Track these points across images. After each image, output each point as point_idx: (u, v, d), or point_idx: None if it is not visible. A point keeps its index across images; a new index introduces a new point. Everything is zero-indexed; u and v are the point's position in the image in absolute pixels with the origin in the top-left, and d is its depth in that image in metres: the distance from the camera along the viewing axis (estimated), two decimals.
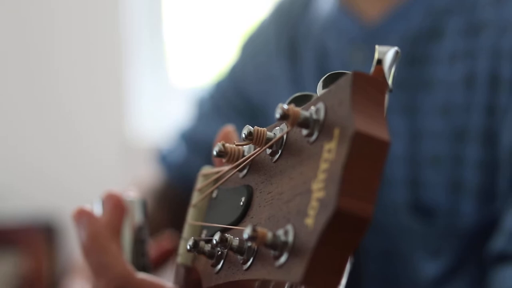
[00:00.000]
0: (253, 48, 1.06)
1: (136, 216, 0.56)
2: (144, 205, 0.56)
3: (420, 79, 0.84)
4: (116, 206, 0.53)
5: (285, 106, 0.37)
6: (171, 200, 1.05)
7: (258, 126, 0.41)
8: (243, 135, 0.40)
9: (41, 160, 1.89)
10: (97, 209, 0.54)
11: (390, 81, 0.37)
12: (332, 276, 0.34)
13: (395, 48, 0.38)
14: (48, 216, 1.84)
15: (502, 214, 0.78)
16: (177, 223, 0.92)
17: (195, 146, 1.08)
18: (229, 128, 0.53)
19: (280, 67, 0.99)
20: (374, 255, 0.87)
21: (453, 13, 0.84)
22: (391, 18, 0.87)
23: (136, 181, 1.11)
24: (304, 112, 0.37)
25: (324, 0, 0.97)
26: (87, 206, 0.51)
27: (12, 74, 1.92)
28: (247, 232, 0.35)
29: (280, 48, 1.00)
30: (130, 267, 0.49)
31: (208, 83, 1.15)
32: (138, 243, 0.55)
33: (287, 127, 0.39)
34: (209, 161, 1.12)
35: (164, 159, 1.11)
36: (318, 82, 1.03)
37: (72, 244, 1.82)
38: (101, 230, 0.50)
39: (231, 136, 0.52)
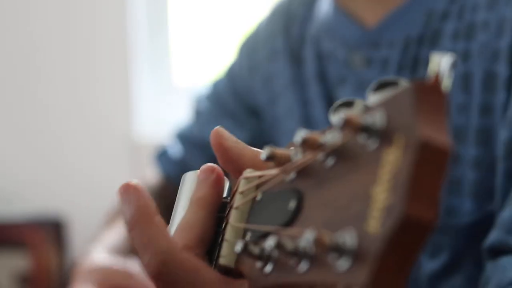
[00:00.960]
0: (251, 49, 1.07)
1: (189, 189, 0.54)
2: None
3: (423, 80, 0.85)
4: (219, 179, 0.52)
5: (345, 113, 0.37)
6: (168, 198, 1.05)
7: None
8: (296, 142, 0.41)
9: (48, 159, 1.89)
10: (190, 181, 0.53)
11: (447, 90, 0.38)
12: (396, 280, 0.34)
13: (452, 56, 0.38)
14: (55, 214, 1.84)
15: (499, 210, 0.79)
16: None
17: (192, 145, 1.09)
18: (219, 128, 0.52)
19: (280, 68, 1.00)
20: None
21: (450, 16, 0.85)
22: (390, 22, 0.88)
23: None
24: (363, 119, 0.37)
25: (324, 3, 0.97)
26: (134, 181, 0.50)
27: (18, 76, 1.92)
28: (310, 235, 0.36)
29: (280, 50, 1.01)
30: (175, 243, 0.48)
31: (209, 82, 1.15)
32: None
33: (345, 134, 0.39)
34: (206, 160, 1.13)
35: (161, 157, 1.12)
36: (319, 85, 1.03)
37: (80, 242, 1.82)
38: (147, 203, 0.49)
39: (223, 135, 0.51)
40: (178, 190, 0.55)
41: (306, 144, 0.41)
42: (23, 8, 1.90)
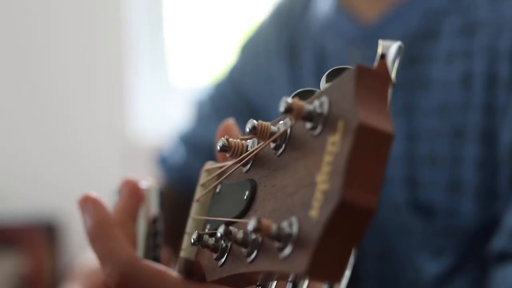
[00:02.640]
0: (252, 49, 1.06)
1: (152, 205, 0.56)
2: (160, 194, 0.56)
3: (417, 79, 0.84)
4: (133, 192, 0.54)
5: (289, 100, 0.37)
6: (171, 202, 1.05)
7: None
8: (247, 129, 0.40)
9: (43, 160, 1.90)
10: (115, 199, 0.55)
11: (393, 75, 0.38)
12: (336, 267, 0.34)
13: (398, 43, 0.38)
14: (49, 216, 1.84)
15: (503, 213, 0.78)
16: (177, 226, 0.92)
17: (194, 149, 1.08)
18: (230, 121, 0.53)
19: (280, 68, 1.00)
20: (372, 254, 0.88)
21: (450, 13, 0.84)
22: (389, 18, 0.88)
23: None
24: (308, 106, 0.37)
25: (323, 0, 0.97)
26: (93, 193, 0.51)
27: (14, 75, 1.92)
28: (252, 223, 0.36)
29: (280, 49, 1.00)
30: (135, 253, 0.49)
31: (208, 83, 1.15)
32: (152, 235, 0.55)
33: (291, 120, 0.39)
34: None
35: (163, 161, 1.11)
36: (318, 83, 1.04)
37: (74, 244, 1.82)
38: (106, 216, 0.50)
39: (232, 130, 0.52)
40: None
41: (257, 132, 0.40)
42: (20, 7, 1.91)
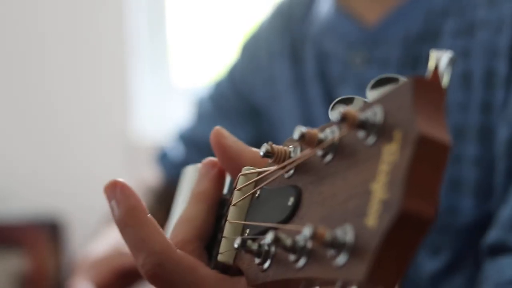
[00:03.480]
0: (253, 49, 1.07)
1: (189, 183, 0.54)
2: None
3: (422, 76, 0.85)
4: (220, 174, 0.52)
5: (342, 109, 0.37)
6: (171, 199, 1.05)
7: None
8: (296, 137, 0.41)
9: (45, 159, 1.89)
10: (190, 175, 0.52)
11: (446, 85, 0.38)
12: (393, 276, 0.34)
13: (450, 53, 0.38)
14: (52, 215, 1.84)
15: (498, 208, 0.79)
16: None
17: (194, 146, 1.08)
18: (217, 127, 0.52)
19: (281, 69, 1.00)
20: None
21: (450, 15, 0.85)
22: (390, 21, 0.88)
23: (136, 182, 1.12)
24: (361, 115, 0.37)
25: (324, 3, 0.97)
26: (121, 179, 0.48)
27: (15, 76, 1.91)
28: (308, 230, 0.36)
29: (282, 51, 1.01)
30: (170, 242, 0.47)
31: (208, 83, 1.15)
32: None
33: (343, 129, 0.40)
34: None
35: (163, 159, 1.11)
36: (319, 84, 1.03)
37: (76, 243, 1.82)
38: (137, 203, 0.47)
39: (222, 135, 0.51)
40: (178, 183, 0.55)
41: (305, 140, 0.41)
42: (22, 7, 1.90)
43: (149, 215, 0.47)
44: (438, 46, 0.84)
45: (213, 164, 0.52)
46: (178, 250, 0.48)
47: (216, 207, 0.52)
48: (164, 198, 1.04)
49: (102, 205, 1.22)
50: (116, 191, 0.47)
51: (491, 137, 0.80)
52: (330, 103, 0.43)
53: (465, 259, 0.84)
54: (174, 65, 1.97)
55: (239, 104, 1.07)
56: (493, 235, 0.77)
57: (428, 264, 0.85)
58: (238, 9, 1.96)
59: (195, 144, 1.09)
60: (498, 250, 0.76)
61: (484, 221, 0.81)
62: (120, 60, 1.89)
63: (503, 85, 0.79)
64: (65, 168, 1.89)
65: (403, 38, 0.87)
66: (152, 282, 0.47)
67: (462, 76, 0.82)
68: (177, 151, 1.10)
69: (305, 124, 0.94)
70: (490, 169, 0.80)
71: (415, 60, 0.86)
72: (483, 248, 0.78)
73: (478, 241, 0.80)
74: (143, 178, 1.15)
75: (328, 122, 0.42)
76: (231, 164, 0.52)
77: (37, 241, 1.79)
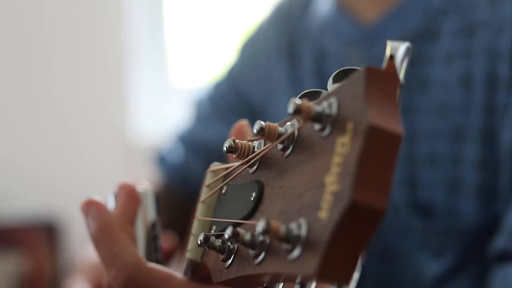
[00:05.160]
0: (252, 49, 1.06)
1: (149, 209, 0.56)
2: (157, 197, 0.56)
3: (416, 79, 0.84)
4: (130, 196, 0.54)
5: (298, 101, 0.37)
6: (170, 201, 1.05)
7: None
8: (255, 131, 0.40)
9: (43, 160, 1.89)
10: (111, 203, 0.54)
11: (401, 76, 0.37)
12: (345, 269, 0.34)
13: (407, 44, 0.38)
14: (49, 215, 1.84)
15: (504, 213, 0.78)
16: (176, 224, 0.92)
17: (193, 148, 1.08)
18: (244, 122, 0.53)
19: (280, 69, 0.99)
20: (373, 254, 0.87)
21: (449, 14, 0.84)
22: (388, 19, 0.88)
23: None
24: (316, 107, 0.37)
25: (322, 1, 0.97)
26: (96, 197, 0.51)
27: (15, 76, 1.92)
28: (260, 225, 0.35)
29: (280, 50, 1.00)
30: (140, 257, 0.49)
31: (207, 84, 1.15)
32: (152, 238, 0.55)
33: (299, 122, 0.39)
34: (208, 162, 1.11)
35: (162, 160, 1.11)
36: (318, 83, 1.03)
37: (74, 244, 1.82)
38: (110, 220, 0.49)
39: (244, 131, 0.52)
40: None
41: (264, 134, 0.40)
42: (22, 9, 1.90)
43: (121, 232, 0.49)
44: (437, 45, 0.84)
45: (122, 187, 0.55)
46: (149, 263, 0.49)
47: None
48: (163, 200, 1.04)
49: (100, 199, 1.22)
50: (92, 209, 0.50)
51: (494, 139, 0.80)
52: None
53: (469, 262, 0.84)
54: (173, 66, 1.97)
55: (238, 104, 1.07)
56: (500, 242, 0.76)
57: (431, 266, 0.84)
58: (236, 10, 1.96)
59: (194, 145, 1.09)
60: (505, 257, 0.75)
61: (489, 225, 0.80)
62: (119, 61, 1.89)
63: (505, 87, 0.78)
64: (64, 169, 1.90)
65: (401, 36, 0.86)
66: None
67: (463, 77, 0.81)
68: (176, 152, 1.10)
69: None
70: (493, 171, 0.80)
71: (414, 59, 0.85)
72: (489, 254, 0.78)
73: (482, 244, 0.80)
74: (140, 179, 1.15)
75: None
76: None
77: (35, 242, 1.79)
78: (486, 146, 0.80)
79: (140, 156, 1.57)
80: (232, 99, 1.07)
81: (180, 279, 0.49)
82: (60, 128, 1.90)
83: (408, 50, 0.38)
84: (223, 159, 1.14)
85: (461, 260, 0.84)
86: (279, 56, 1.00)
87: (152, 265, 0.49)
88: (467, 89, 0.81)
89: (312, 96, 0.42)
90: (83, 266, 0.91)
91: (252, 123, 1.06)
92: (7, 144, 1.92)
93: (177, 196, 1.06)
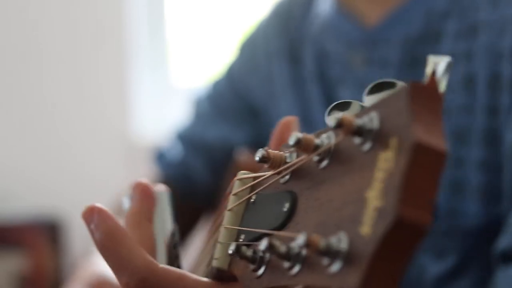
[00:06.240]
0: (251, 48, 1.06)
1: (166, 212, 0.55)
2: (171, 198, 0.56)
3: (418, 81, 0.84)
4: (145, 193, 0.53)
5: (339, 115, 0.37)
6: None
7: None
8: (291, 142, 0.40)
9: (45, 159, 1.89)
10: (126, 205, 0.54)
11: (443, 91, 0.38)
12: (388, 285, 0.34)
13: (448, 58, 0.38)
14: (51, 215, 1.84)
15: (507, 213, 0.78)
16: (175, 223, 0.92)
17: (192, 146, 1.08)
18: (290, 118, 0.52)
19: (280, 69, 0.99)
20: None
21: (451, 15, 0.84)
22: (390, 21, 0.88)
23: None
24: (358, 121, 0.37)
25: (323, 1, 0.97)
26: (97, 204, 0.49)
27: (15, 76, 1.91)
28: (301, 238, 0.36)
29: (280, 50, 1.00)
30: (151, 258, 0.47)
31: (207, 83, 1.15)
32: (173, 246, 0.54)
33: (339, 135, 0.39)
34: (206, 160, 1.10)
35: (161, 158, 1.11)
36: (319, 85, 1.02)
37: (76, 243, 1.82)
38: (114, 224, 0.47)
39: (292, 126, 0.52)
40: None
41: (301, 146, 0.40)
42: (21, 7, 1.90)
43: (127, 236, 0.48)
44: (439, 47, 0.84)
45: (137, 186, 0.54)
46: (161, 265, 0.48)
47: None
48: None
49: (102, 205, 1.22)
50: (94, 216, 0.48)
51: (498, 141, 0.80)
52: (329, 103, 0.42)
53: (472, 263, 0.84)
54: (173, 65, 1.97)
55: (237, 103, 1.07)
56: (504, 241, 0.76)
57: (433, 267, 0.84)
58: (237, 9, 1.96)
59: (193, 143, 1.09)
60: (509, 257, 0.75)
61: (492, 225, 0.80)
62: (119, 61, 1.88)
63: (508, 87, 0.78)
64: (65, 169, 1.89)
65: (403, 38, 0.86)
66: None
67: (465, 79, 0.81)
68: (175, 150, 1.10)
69: (304, 124, 0.94)
70: (497, 172, 0.80)
71: (415, 61, 0.85)
72: (494, 254, 0.78)
73: (485, 245, 0.80)
74: (141, 178, 1.14)
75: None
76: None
77: (37, 241, 1.78)
78: (490, 147, 0.80)
79: (141, 155, 1.57)
80: (231, 98, 1.07)
81: (193, 279, 0.48)
82: (61, 128, 1.89)
83: (449, 65, 0.38)
84: (221, 157, 1.12)
85: (464, 261, 0.84)
86: (280, 56, 1.00)
87: (165, 266, 0.48)
88: (470, 90, 0.81)
89: (342, 107, 0.42)
90: (83, 275, 0.90)
91: (251, 123, 1.06)
92: (9, 144, 1.91)
93: (175, 193, 1.06)
